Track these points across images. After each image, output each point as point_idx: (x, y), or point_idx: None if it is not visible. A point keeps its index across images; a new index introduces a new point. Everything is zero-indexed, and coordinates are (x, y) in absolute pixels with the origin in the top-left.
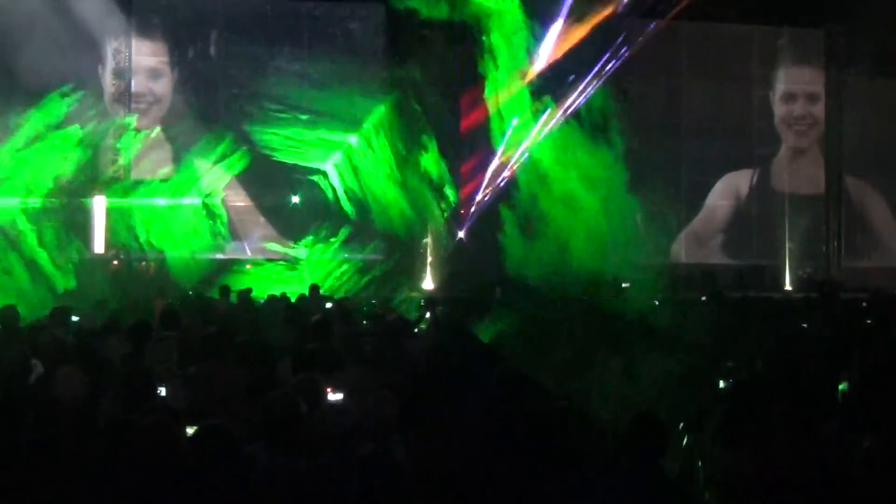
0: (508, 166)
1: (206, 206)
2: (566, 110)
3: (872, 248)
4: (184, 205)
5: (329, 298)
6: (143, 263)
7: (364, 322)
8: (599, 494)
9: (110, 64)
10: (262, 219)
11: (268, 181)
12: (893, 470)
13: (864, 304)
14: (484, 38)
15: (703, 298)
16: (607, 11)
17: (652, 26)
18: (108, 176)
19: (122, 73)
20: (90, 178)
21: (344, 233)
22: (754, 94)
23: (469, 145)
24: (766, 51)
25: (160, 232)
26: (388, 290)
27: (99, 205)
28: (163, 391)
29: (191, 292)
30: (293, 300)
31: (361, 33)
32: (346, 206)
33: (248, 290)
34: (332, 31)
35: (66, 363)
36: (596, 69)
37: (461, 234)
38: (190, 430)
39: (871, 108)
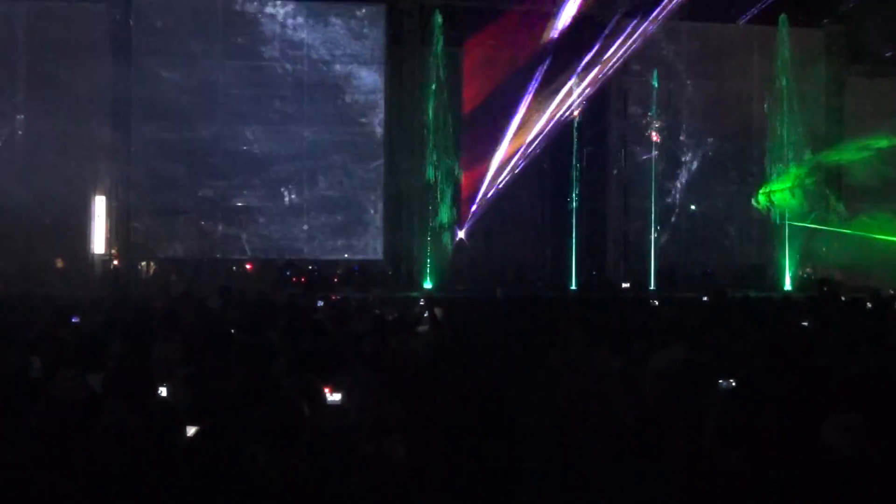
0: (510, 164)
1: None
2: (567, 109)
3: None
4: None
5: (324, 298)
6: (143, 263)
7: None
8: (600, 495)
9: None
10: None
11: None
12: (892, 470)
13: (866, 303)
14: None
15: (705, 298)
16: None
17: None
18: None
19: None
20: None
21: None
22: (754, 94)
23: (470, 141)
24: (766, 50)
25: None
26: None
27: (99, 205)
28: (163, 391)
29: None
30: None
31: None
32: None
33: (242, 290)
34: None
35: (66, 363)
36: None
37: (461, 234)
38: (190, 430)
39: (870, 107)
